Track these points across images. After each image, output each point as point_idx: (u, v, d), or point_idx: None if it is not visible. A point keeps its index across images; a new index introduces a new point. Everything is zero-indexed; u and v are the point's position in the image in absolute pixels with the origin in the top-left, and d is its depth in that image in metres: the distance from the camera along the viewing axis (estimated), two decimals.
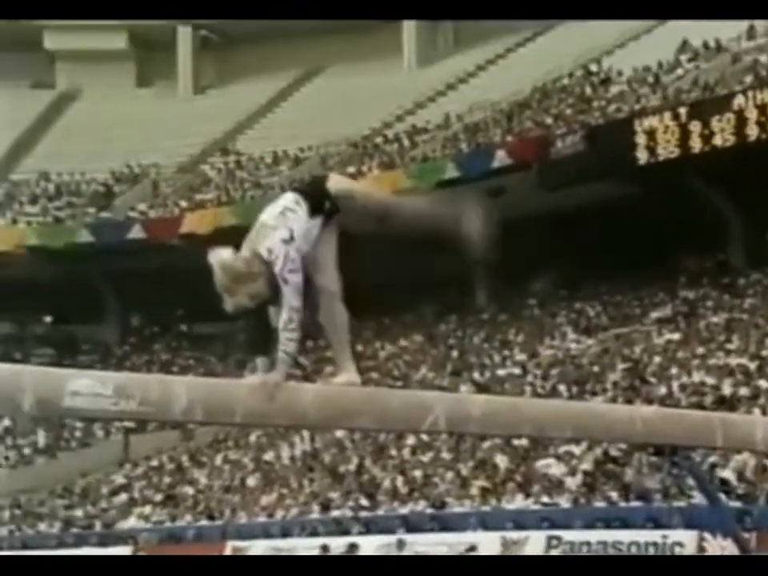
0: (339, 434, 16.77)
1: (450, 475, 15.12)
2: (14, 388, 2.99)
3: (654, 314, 19.33)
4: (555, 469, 14.39)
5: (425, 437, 15.16)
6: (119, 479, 20.26)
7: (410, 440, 16.00)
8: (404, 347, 22.36)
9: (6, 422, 23.50)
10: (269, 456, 18.23)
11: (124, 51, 34.41)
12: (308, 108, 30.74)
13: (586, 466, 14.12)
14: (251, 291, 3.58)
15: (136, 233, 25.52)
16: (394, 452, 16.36)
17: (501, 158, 20.86)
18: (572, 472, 14.18)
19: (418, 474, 15.48)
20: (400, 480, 15.47)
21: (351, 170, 23.37)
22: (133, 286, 25.95)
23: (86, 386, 3.09)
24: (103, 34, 33.82)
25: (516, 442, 14.37)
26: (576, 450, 14.28)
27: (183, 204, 26.54)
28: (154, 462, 20.41)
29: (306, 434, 17.50)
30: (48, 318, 28.56)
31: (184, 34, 34.58)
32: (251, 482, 17.60)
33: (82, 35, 33.91)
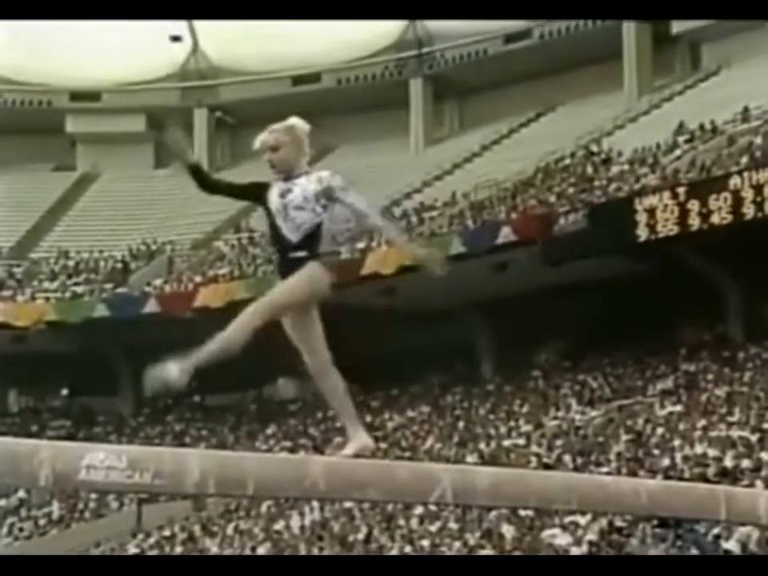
0: (348, 504, 17.02)
1: (457, 545, 15.32)
2: (31, 462, 3.01)
3: (656, 386, 19.69)
4: (561, 539, 14.55)
5: (432, 507, 15.39)
6: (132, 549, 20.42)
7: (418, 510, 16.25)
8: (411, 418, 22.69)
9: (22, 494, 23.75)
10: (279, 525, 18.44)
11: (142, 134, 35.23)
12: None
13: (591, 536, 14.28)
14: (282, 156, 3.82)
15: (151, 307, 25.94)
16: (402, 522, 16.58)
17: (505, 235, 21.40)
18: (577, 542, 14.36)
19: (425, 543, 15.66)
20: (408, 549, 15.66)
21: (361, 245, 24.02)
22: (147, 359, 26.27)
23: (100, 460, 3.09)
24: (123, 117, 34.93)
25: (522, 512, 14.57)
26: (581, 520, 14.45)
27: (197, 279, 27.02)
28: (167, 532, 20.55)
29: (315, 504, 17.76)
30: (64, 391, 28.97)
31: (200, 115, 35.62)
32: (261, 551, 17.77)
33: (103, 119, 35.02)
